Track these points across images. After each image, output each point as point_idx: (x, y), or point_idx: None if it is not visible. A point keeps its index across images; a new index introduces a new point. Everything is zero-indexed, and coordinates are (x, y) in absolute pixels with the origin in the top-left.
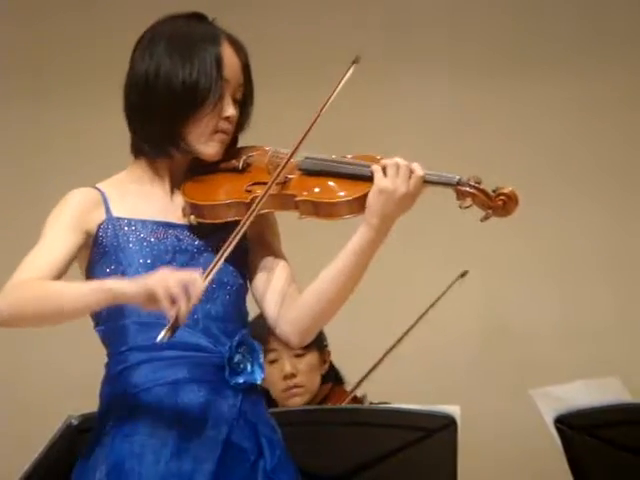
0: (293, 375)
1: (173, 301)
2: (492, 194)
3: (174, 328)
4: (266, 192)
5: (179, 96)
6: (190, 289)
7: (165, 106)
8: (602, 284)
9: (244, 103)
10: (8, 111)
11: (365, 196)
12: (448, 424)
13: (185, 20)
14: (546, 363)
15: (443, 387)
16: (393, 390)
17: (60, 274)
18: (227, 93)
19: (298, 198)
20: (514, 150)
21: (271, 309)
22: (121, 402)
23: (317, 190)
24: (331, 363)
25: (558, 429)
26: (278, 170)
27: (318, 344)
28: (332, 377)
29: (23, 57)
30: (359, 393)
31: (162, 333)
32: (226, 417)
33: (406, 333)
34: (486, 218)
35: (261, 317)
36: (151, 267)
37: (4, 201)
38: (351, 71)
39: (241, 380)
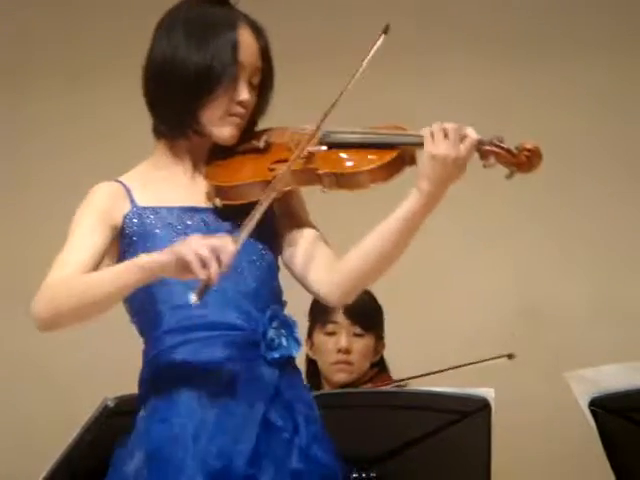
0: (348, 351)
1: (204, 265)
2: (515, 151)
3: (204, 291)
4: (290, 165)
5: (193, 79)
6: (221, 253)
7: (181, 88)
8: (637, 265)
9: (263, 88)
10: None
11: (388, 164)
12: (482, 407)
13: (204, 4)
14: (581, 345)
15: (477, 370)
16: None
17: (93, 269)
18: (242, 77)
19: (321, 171)
20: (542, 133)
21: (309, 275)
22: (158, 385)
23: (339, 161)
24: (382, 355)
25: (592, 412)
26: (302, 145)
27: (378, 332)
28: (380, 366)
29: (6, 43)
30: (403, 382)
31: (193, 295)
32: (263, 395)
33: None
34: (511, 175)
35: None
36: None
37: None
38: (380, 42)
39: (277, 355)
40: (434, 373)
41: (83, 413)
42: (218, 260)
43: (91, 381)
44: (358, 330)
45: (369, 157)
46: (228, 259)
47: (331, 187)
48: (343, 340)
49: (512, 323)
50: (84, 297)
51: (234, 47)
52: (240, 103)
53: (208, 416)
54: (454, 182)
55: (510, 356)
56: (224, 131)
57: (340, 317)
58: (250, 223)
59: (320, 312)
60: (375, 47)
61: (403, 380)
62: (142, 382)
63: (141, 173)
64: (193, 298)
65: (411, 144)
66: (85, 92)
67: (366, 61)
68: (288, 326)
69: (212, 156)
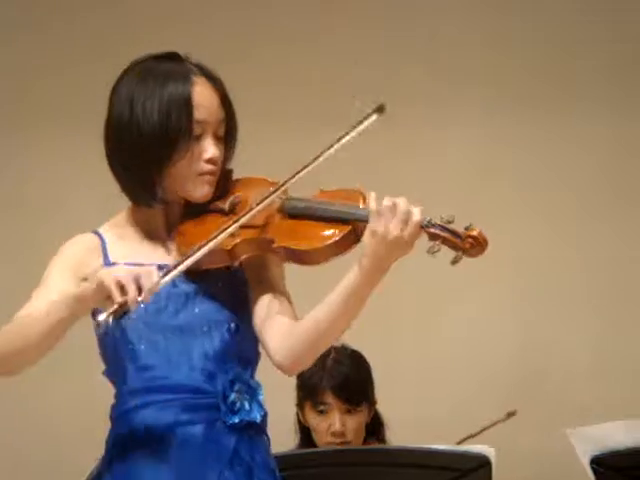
0: (342, 433)
1: (123, 290)
2: (462, 234)
3: (119, 313)
4: (225, 229)
5: (150, 144)
6: (142, 280)
7: (138, 154)
8: None
9: (227, 137)
10: None
11: (341, 240)
12: (483, 464)
13: (155, 62)
14: (582, 402)
15: (477, 426)
16: (427, 429)
17: None
18: (207, 133)
19: (275, 244)
20: (545, 187)
21: (265, 340)
22: (118, 446)
23: (293, 236)
24: (376, 413)
25: (594, 470)
26: (244, 212)
27: (370, 401)
28: (374, 424)
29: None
30: None
31: (104, 315)
32: (217, 461)
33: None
34: (457, 260)
35: (314, 368)
36: (145, 311)
37: None
38: (373, 118)
39: (237, 419)
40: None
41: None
42: (139, 287)
43: (89, 429)
44: (350, 407)
45: (323, 233)
46: (149, 286)
47: (285, 261)
48: (337, 424)
49: (515, 378)
50: (19, 337)
51: (188, 107)
52: (209, 161)
53: None
54: (397, 259)
55: (510, 414)
56: (197, 192)
57: (330, 398)
58: (182, 263)
59: (308, 389)
60: (363, 125)
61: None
62: (107, 441)
63: (119, 226)
64: (102, 317)
65: (364, 220)
66: (88, 137)
67: (348, 137)
68: (252, 389)
69: (184, 213)
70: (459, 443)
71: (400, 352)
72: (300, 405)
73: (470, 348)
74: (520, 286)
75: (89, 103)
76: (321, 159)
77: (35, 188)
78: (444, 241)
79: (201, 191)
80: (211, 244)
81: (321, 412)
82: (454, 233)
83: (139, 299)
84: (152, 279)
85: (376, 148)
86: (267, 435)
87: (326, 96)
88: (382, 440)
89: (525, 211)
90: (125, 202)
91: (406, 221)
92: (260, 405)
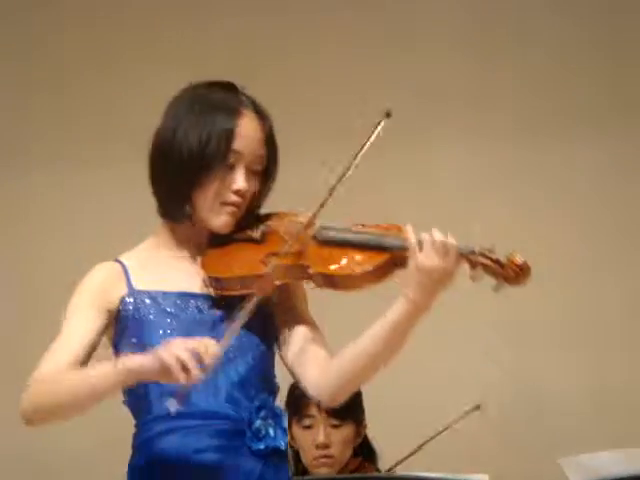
0: (326, 446)
1: (185, 369)
2: (504, 262)
3: (185, 396)
4: (273, 270)
5: (186, 163)
6: (203, 355)
7: (174, 171)
8: (634, 351)
9: (265, 175)
10: None
11: (379, 267)
12: None
13: (211, 87)
14: (576, 431)
15: (472, 455)
16: (421, 457)
17: (85, 360)
18: (240, 165)
19: (311, 270)
20: (540, 216)
21: (302, 373)
22: (144, 472)
23: (330, 262)
24: (365, 437)
25: None
26: (289, 243)
27: (356, 418)
28: (364, 452)
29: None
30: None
31: (173, 401)
32: None
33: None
34: (499, 287)
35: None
36: (173, 338)
37: None
38: (381, 126)
39: (262, 446)
40: (414, 453)
41: None
42: (200, 363)
43: (83, 467)
44: (335, 421)
45: (360, 259)
46: (210, 362)
47: (321, 286)
48: (321, 435)
49: (509, 407)
50: (67, 396)
51: (229, 135)
52: (236, 192)
53: None
54: (441, 291)
55: (478, 407)
56: (217, 220)
57: (315, 410)
58: (235, 325)
59: (295, 405)
60: (376, 132)
61: (389, 470)
62: (129, 467)
63: (142, 251)
64: (173, 405)
65: (402, 249)
66: (85, 174)
67: (366, 146)
68: (276, 416)
69: (212, 241)
70: (422, 445)
71: (394, 379)
72: (289, 425)
73: (463, 377)
74: (514, 316)
75: (91, 109)
76: (350, 172)
77: (39, 198)
78: (485, 269)
79: (220, 220)
80: (251, 306)
81: (307, 427)
82: (496, 261)
83: (202, 376)
84: (211, 352)
85: (375, 172)
86: (290, 464)
87: (312, 117)
88: (375, 467)
89: (515, 232)
90: (129, 212)
91: (447, 251)
92: (284, 432)
